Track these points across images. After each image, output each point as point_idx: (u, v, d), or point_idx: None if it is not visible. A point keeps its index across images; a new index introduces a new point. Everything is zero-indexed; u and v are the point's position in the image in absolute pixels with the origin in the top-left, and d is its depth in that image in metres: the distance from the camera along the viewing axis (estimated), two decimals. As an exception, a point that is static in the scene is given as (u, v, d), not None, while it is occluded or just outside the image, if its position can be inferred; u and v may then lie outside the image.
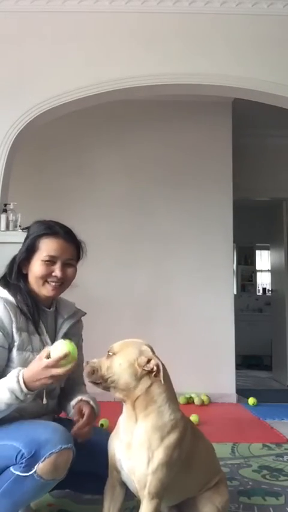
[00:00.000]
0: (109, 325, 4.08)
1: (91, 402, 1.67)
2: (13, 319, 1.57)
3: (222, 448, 2.73)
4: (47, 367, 1.38)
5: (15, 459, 1.41)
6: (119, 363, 1.40)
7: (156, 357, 1.42)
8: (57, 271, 1.65)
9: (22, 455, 1.39)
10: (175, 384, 1.49)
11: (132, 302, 4.45)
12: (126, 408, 1.45)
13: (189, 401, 4.11)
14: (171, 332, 4.40)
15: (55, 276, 1.65)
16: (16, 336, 1.57)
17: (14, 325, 1.56)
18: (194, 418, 3.29)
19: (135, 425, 1.41)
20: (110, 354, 1.43)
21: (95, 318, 4.20)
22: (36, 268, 1.65)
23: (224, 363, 4.44)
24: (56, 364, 1.38)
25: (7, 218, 3.18)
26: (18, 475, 1.40)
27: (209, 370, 4.31)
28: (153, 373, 1.40)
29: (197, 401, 4.10)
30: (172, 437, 1.39)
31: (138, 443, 1.39)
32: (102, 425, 3.24)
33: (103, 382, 1.41)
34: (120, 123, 4.67)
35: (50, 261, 1.65)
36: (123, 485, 1.47)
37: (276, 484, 2.22)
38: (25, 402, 1.43)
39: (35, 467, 1.38)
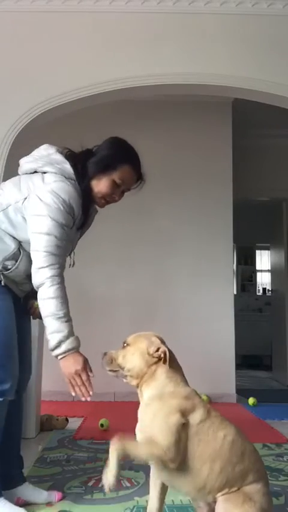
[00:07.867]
0: (110, 325, 4.08)
1: None
2: (80, 211, 1.79)
3: (222, 448, 2.72)
4: (79, 373, 1.66)
5: None
6: (132, 352, 1.55)
7: (165, 345, 1.56)
8: (117, 196, 1.88)
9: None
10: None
11: (133, 302, 4.45)
12: (139, 394, 1.56)
13: (189, 401, 4.10)
14: (171, 332, 4.31)
15: (113, 198, 1.88)
16: (73, 227, 1.80)
17: (77, 218, 1.80)
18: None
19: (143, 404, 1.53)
20: (125, 345, 1.58)
21: (95, 318, 4.25)
22: (104, 184, 1.84)
23: (224, 363, 4.44)
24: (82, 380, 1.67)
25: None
26: None
27: (209, 370, 4.31)
28: (162, 360, 1.53)
29: (197, 401, 4.08)
30: (169, 402, 1.46)
31: (142, 413, 1.51)
32: (102, 425, 3.24)
33: (120, 370, 1.57)
34: (120, 123, 4.65)
35: (118, 185, 1.85)
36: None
37: (276, 484, 2.22)
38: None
39: None
